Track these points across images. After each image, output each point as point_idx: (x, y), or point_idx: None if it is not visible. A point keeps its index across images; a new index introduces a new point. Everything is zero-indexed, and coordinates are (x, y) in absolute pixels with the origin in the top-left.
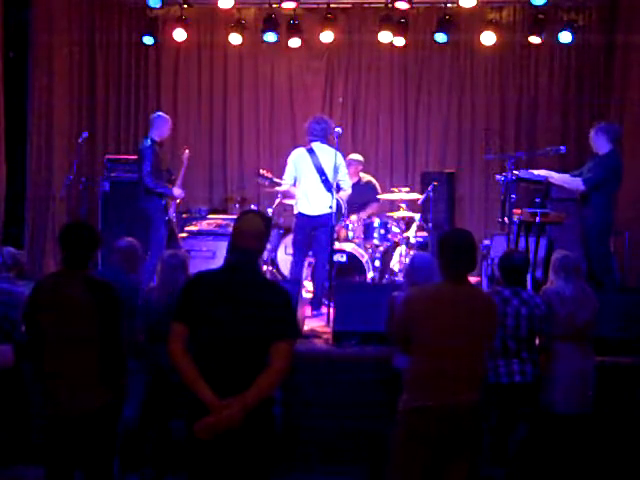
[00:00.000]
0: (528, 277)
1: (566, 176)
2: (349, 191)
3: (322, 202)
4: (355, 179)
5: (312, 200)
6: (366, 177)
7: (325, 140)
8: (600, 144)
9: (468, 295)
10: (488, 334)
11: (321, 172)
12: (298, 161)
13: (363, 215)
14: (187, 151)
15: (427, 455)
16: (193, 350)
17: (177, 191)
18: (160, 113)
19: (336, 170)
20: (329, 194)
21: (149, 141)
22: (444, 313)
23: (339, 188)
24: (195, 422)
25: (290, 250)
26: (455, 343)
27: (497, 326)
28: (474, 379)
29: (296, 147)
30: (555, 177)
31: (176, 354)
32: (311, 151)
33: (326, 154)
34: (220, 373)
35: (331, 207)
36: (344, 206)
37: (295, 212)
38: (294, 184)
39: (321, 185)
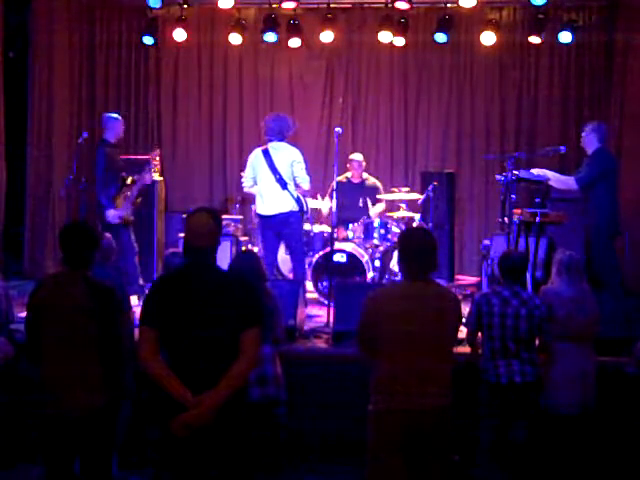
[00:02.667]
0: (528, 277)
1: (561, 175)
2: (306, 187)
3: (277, 201)
4: (358, 180)
5: (266, 200)
6: (370, 179)
7: (282, 138)
8: (589, 143)
9: (427, 293)
10: (451, 331)
11: (275, 171)
12: (254, 162)
13: (374, 214)
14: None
15: (397, 458)
16: (165, 352)
17: (111, 213)
18: (111, 114)
19: (290, 167)
20: (285, 192)
21: (103, 144)
22: (402, 312)
23: (298, 186)
24: (170, 421)
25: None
26: (414, 342)
27: (459, 323)
28: (441, 380)
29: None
30: (549, 176)
31: (146, 358)
32: (265, 151)
33: (281, 152)
34: (193, 370)
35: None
36: (305, 203)
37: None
38: (254, 184)
39: (276, 184)
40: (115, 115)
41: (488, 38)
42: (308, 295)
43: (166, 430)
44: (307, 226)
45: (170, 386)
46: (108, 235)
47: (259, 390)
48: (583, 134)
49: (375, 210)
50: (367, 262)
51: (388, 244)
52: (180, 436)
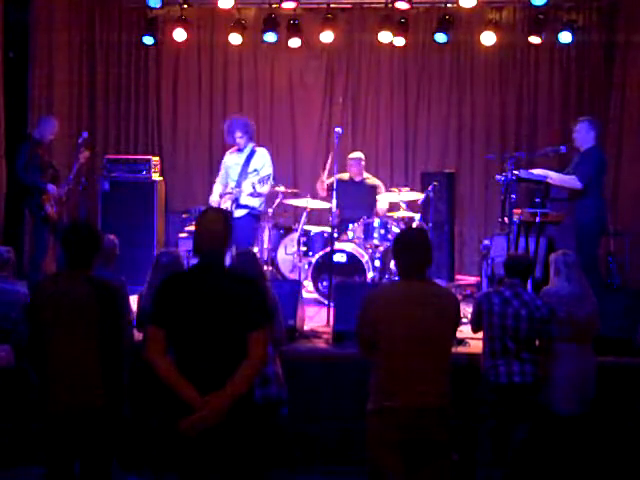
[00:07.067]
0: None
1: (563, 175)
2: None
3: None
4: (359, 178)
5: None
6: (371, 178)
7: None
8: (587, 138)
9: (426, 293)
10: (448, 330)
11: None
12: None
13: (380, 210)
14: (86, 152)
15: (396, 458)
16: (173, 351)
17: (52, 187)
18: (47, 115)
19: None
20: None
21: (28, 138)
22: (401, 311)
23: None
24: (178, 421)
25: (290, 250)
26: (413, 341)
27: (458, 323)
28: (440, 379)
29: (294, 147)
30: (553, 176)
31: (154, 357)
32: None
33: None
34: (201, 371)
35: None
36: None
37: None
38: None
39: None
40: (47, 115)
41: (488, 38)
42: (308, 295)
43: (172, 430)
44: (307, 226)
45: (178, 386)
46: (111, 236)
47: (260, 391)
48: (578, 127)
49: (380, 206)
50: (367, 262)
51: (388, 244)
52: (187, 437)
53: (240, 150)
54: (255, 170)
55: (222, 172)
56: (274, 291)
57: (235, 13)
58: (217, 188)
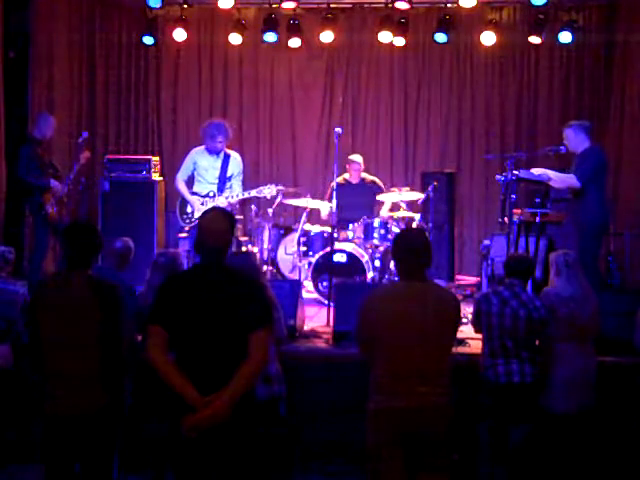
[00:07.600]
0: None
1: (561, 174)
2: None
3: None
4: (357, 180)
5: None
6: (369, 177)
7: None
8: (577, 142)
9: (427, 293)
10: (448, 330)
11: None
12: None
13: (384, 213)
14: (87, 153)
15: (396, 458)
16: (173, 352)
17: (55, 183)
18: (44, 112)
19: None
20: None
21: (28, 140)
22: (401, 312)
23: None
24: (179, 421)
25: (290, 250)
26: (413, 341)
27: (458, 321)
28: (440, 379)
29: (294, 147)
30: (552, 176)
31: (155, 356)
32: None
33: None
34: (202, 370)
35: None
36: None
37: None
38: None
39: None
40: (45, 113)
41: (488, 38)
42: (308, 295)
43: (173, 430)
44: (307, 226)
45: (179, 386)
46: (126, 239)
47: (265, 389)
48: (565, 137)
49: (384, 210)
50: (367, 262)
51: (388, 244)
52: (189, 436)
53: (216, 153)
54: (232, 175)
55: (189, 167)
56: (273, 291)
57: (235, 13)
58: (182, 185)
